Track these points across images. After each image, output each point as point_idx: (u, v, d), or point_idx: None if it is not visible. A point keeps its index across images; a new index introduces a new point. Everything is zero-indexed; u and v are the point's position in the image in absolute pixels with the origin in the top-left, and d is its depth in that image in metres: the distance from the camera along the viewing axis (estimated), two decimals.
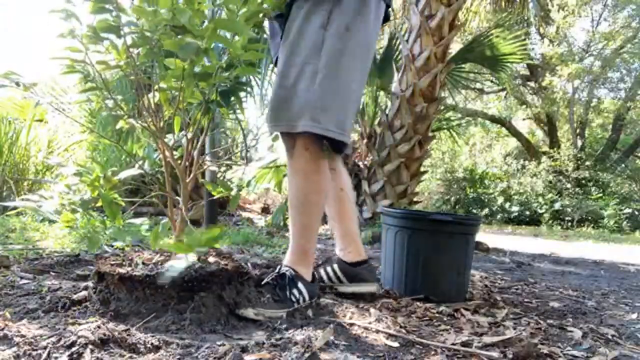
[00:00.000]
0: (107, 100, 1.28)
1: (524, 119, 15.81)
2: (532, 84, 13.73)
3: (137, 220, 1.37)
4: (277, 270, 1.51)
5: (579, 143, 13.54)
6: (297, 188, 1.51)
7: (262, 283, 1.45)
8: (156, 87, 1.28)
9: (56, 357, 0.92)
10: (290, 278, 1.46)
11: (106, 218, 1.29)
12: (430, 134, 4.57)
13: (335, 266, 1.72)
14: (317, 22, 1.41)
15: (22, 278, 1.60)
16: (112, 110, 1.28)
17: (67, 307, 1.27)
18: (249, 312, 1.28)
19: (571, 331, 1.47)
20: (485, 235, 5.74)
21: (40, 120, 4.61)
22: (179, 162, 1.33)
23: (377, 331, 1.30)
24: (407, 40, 4.47)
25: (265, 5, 1.22)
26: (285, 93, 1.42)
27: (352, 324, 1.35)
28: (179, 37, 1.10)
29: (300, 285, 1.46)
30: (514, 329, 1.44)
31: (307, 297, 1.46)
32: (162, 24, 1.11)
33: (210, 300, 1.22)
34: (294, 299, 1.42)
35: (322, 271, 1.73)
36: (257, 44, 1.21)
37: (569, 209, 10.43)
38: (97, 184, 1.21)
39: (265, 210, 6.07)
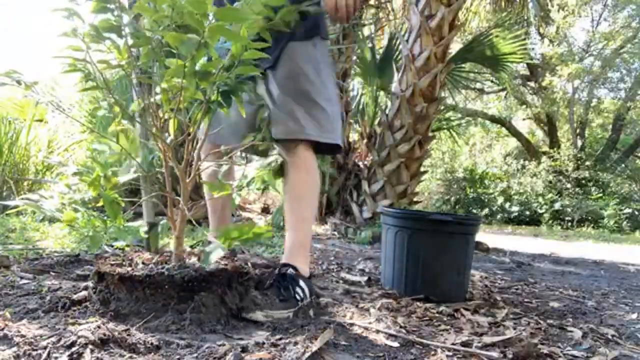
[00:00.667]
0: (105, 100, 1.27)
1: (524, 119, 15.82)
2: (532, 84, 13.74)
3: (136, 223, 1.37)
4: (277, 271, 1.52)
5: (579, 143, 13.55)
6: (300, 183, 1.64)
7: (266, 286, 1.46)
8: (157, 86, 1.28)
9: (56, 357, 0.92)
10: (292, 277, 1.48)
11: (106, 218, 1.29)
12: (430, 134, 4.56)
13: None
14: (314, 55, 1.68)
15: (22, 278, 1.60)
16: (110, 109, 1.28)
17: (67, 307, 1.27)
18: (258, 316, 1.29)
19: (571, 331, 1.47)
20: (485, 235, 5.74)
21: (40, 120, 4.60)
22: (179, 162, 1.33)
23: (377, 331, 1.30)
24: (407, 40, 4.46)
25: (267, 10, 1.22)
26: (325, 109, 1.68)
27: (352, 324, 1.35)
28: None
29: (301, 282, 1.48)
30: (514, 329, 1.44)
31: (308, 294, 1.48)
32: (165, 23, 1.11)
33: (210, 300, 1.22)
34: (298, 297, 1.44)
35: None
36: (259, 43, 1.20)
37: (569, 209, 10.44)
38: (98, 183, 1.21)
39: (265, 210, 6.06)
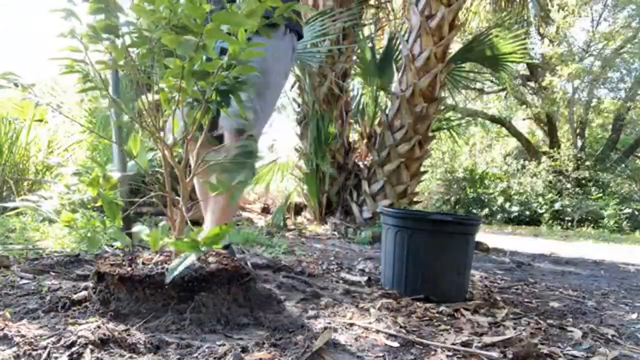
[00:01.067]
0: (105, 100, 1.27)
1: (524, 119, 15.81)
2: (532, 84, 13.73)
3: (135, 229, 1.36)
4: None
5: (579, 143, 13.55)
6: None
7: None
8: (156, 87, 1.28)
9: (56, 357, 0.92)
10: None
11: (106, 218, 1.29)
12: (430, 134, 4.56)
13: None
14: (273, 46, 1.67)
15: (22, 278, 1.60)
16: (111, 108, 1.28)
17: (67, 307, 1.26)
18: None
19: (571, 331, 1.47)
20: (485, 235, 5.74)
21: (40, 120, 4.60)
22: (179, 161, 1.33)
23: (377, 331, 1.30)
24: (407, 40, 4.46)
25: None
26: None
27: (352, 324, 1.35)
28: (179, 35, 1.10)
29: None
30: (514, 329, 1.44)
31: None
32: (162, 22, 1.11)
33: (210, 300, 1.22)
34: None
35: None
36: (258, 43, 1.20)
37: (569, 209, 10.44)
38: (97, 183, 1.20)
39: (265, 210, 6.06)
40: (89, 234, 1.19)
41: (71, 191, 1.24)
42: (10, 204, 1.37)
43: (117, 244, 2.11)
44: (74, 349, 0.94)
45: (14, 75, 1.17)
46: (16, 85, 1.17)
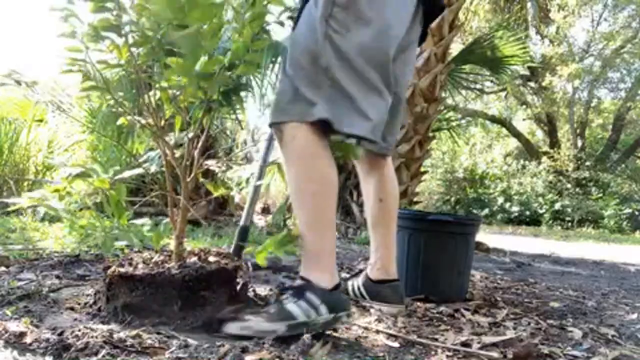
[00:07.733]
0: (108, 98, 1.27)
1: (524, 119, 15.83)
2: (532, 84, 13.74)
3: (139, 221, 1.36)
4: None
5: (579, 143, 13.56)
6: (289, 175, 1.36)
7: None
8: (157, 85, 1.28)
9: (56, 358, 0.92)
10: (300, 287, 1.23)
11: (107, 218, 1.29)
12: (430, 134, 4.56)
13: (360, 280, 1.64)
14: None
15: (20, 280, 1.60)
16: (113, 107, 1.28)
17: (67, 307, 1.27)
18: (232, 328, 1.15)
19: (571, 331, 1.47)
20: (485, 235, 5.74)
21: (41, 121, 4.61)
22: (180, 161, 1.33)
23: (377, 331, 1.30)
24: None
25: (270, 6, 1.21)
26: None
27: (352, 324, 1.35)
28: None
29: (308, 294, 1.19)
30: (514, 329, 1.44)
31: (322, 310, 1.17)
32: (165, 23, 1.11)
33: (211, 299, 1.22)
34: (299, 311, 1.17)
35: (349, 284, 1.66)
36: (260, 42, 1.20)
37: (569, 209, 10.45)
38: (106, 185, 1.20)
39: (265, 210, 6.06)
40: (102, 236, 1.18)
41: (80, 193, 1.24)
42: (15, 200, 1.35)
43: (119, 244, 2.10)
44: (74, 349, 0.94)
45: (17, 73, 1.17)
46: (19, 83, 1.17)
